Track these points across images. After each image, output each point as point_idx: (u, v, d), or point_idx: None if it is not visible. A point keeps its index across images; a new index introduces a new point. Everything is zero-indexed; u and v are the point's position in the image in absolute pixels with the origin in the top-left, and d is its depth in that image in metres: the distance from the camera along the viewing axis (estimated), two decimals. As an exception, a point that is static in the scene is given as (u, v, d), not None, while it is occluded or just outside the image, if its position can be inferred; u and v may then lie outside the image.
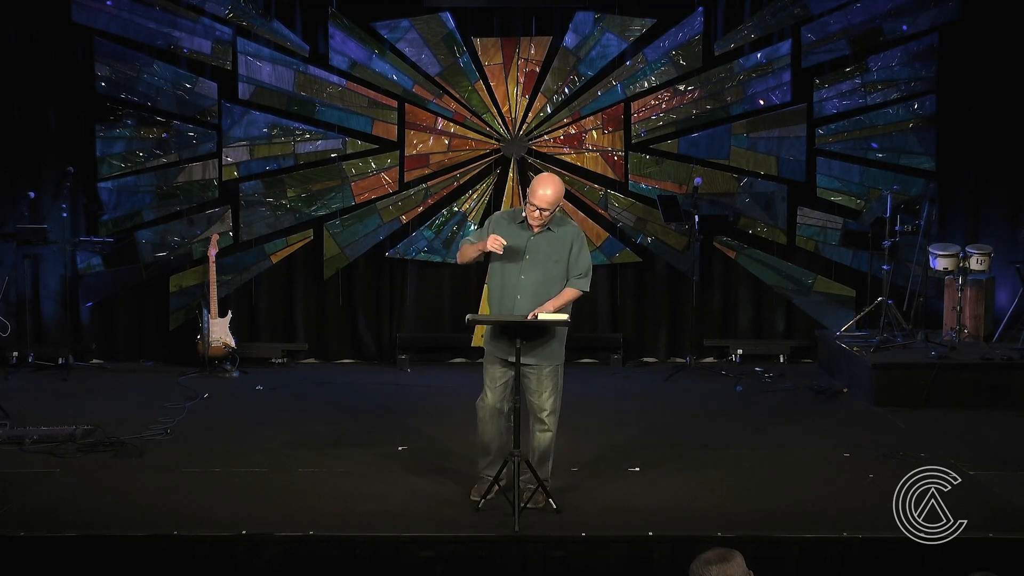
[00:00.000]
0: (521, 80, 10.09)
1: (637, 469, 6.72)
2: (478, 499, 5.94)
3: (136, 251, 9.98)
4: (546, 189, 5.85)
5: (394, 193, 10.16)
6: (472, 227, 9.86)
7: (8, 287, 9.59)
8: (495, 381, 5.98)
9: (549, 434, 5.99)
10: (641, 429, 7.76)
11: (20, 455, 6.91)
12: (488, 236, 5.87)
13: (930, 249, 9.36)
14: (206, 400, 8.56)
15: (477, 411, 6.09)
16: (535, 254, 5.93)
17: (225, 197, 10.07)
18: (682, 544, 5.44)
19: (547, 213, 5.87)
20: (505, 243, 5.80)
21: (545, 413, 5.94)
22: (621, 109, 10.14)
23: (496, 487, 5.89)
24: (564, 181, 9.99)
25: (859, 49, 10.01)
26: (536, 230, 5.94)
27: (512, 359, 5.82)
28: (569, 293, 5.96)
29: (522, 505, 5.70)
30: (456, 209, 10.14)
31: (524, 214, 5.95)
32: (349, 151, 10.11)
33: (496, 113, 10.14)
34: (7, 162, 9.89)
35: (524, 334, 5.81)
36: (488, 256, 5.99)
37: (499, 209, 9.15)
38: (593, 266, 10.47)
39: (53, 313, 10.01)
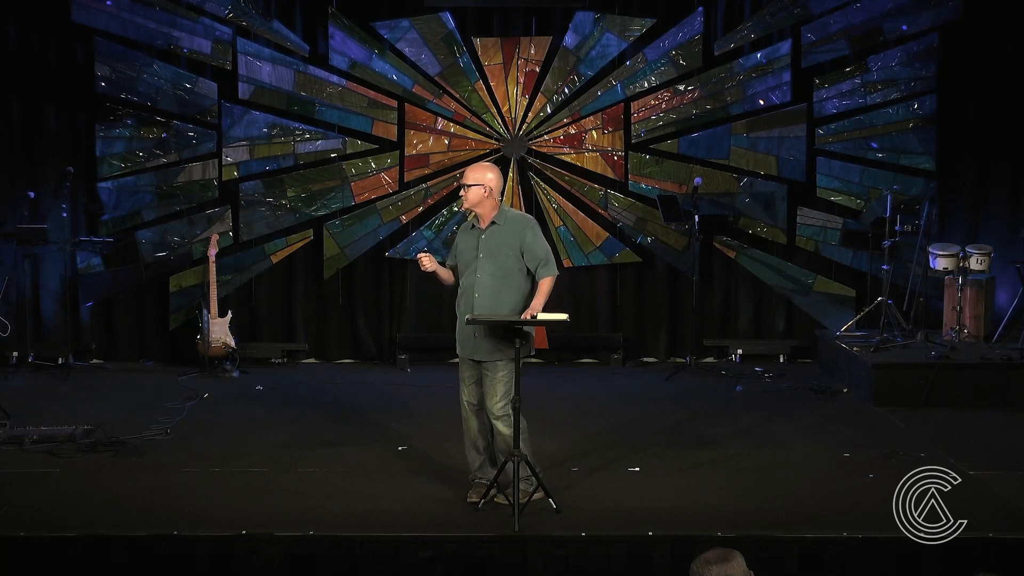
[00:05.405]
0: (521, 80, 10.09)
1: (637, 469, 6.72)
2: (477, 500, 5.95)
3: (136, 251, 9.98)
4: (473, 171, 6.09)
5: (394, 193, 10.16)
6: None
7: (8, 287, 9.59)
8: (467, 380, 6.13)
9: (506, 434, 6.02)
10: (641, 429, 7.75)
11: (20, 455, 6.91)
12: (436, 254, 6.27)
13: (930, 249, 9.35)
14: (206, 400, 8.57)
15: (461, 409, 6.18)
16: (487, 250, 6.04)
17: (225, 197, 10.08)
18: (682, 544, 5.44)
19: (470, 189, 6.00)
20: (428, 262, 5.98)
21: (494, 417, 5.99)
22: (621, 109, 10.14)
23: (494, 488, 5.90)
24: (564, 181, 10.17)
25: (859, 49, 10.00)
26: (484, 226, 6.05)
27: (471, 357, 6.03)
28: (545, 285, 6.04)
29: (522, 504, 5.71)
30: (456, 209, 10.13)
31: (470, 217, 6.13)
32: (349, 151, 10.12)
33: (496, 113, 10.14)
34: (7, 162, 9.90)
35: (491, 331, 5.94)
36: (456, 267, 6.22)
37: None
38: (593, 266, 10.48)
39: (53, 313, 10.01)
